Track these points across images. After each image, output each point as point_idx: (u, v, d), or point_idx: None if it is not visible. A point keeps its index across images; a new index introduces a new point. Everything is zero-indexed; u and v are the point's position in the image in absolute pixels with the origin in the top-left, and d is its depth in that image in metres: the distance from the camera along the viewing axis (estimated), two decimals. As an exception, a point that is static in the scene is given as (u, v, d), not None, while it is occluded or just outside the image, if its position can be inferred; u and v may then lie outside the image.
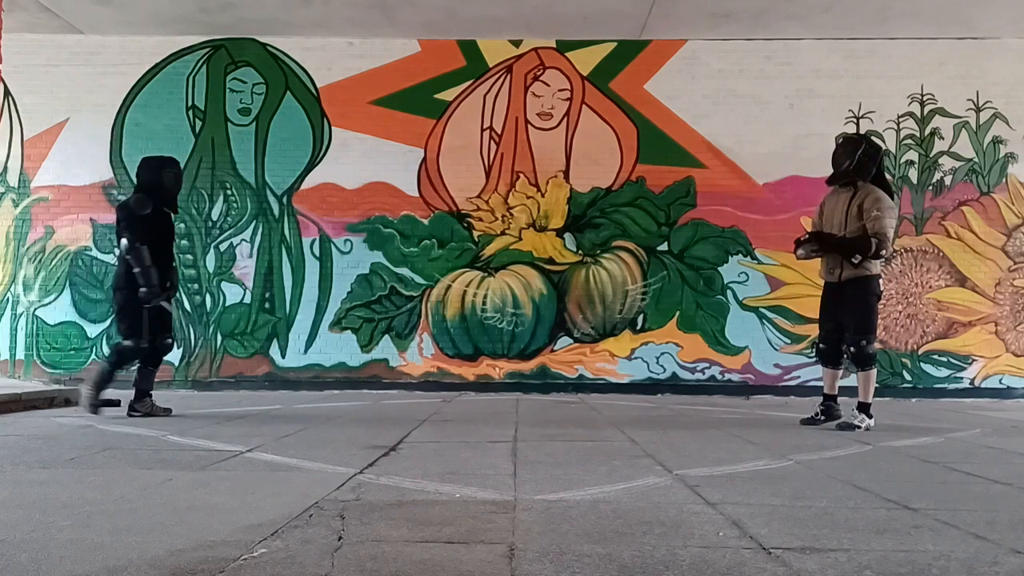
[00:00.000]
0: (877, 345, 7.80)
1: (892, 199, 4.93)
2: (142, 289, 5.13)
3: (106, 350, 7.97)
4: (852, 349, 4.91)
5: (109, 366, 5.27)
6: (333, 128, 8.13)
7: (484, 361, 7.97)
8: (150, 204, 5.24)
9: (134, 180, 5.61)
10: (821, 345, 5.15)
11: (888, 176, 4.74)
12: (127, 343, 5.24)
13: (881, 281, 4.97)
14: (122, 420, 5.03)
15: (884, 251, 4.78)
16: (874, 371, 4.96)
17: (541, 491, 2.74)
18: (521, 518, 2.33)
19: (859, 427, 4.81)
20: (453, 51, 8.15)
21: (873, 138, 5.05)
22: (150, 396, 5.32)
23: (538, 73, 8.16)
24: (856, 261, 4.80)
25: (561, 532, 2.16)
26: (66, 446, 3.81)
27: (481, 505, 2.51)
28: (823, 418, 5.04)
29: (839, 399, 5.11)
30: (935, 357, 7.91)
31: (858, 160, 4.89)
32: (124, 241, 5.17)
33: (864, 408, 4.88)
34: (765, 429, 4.90)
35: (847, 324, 4.95)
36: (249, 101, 8.16)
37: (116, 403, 5.31)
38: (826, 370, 5.18)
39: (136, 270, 5.12)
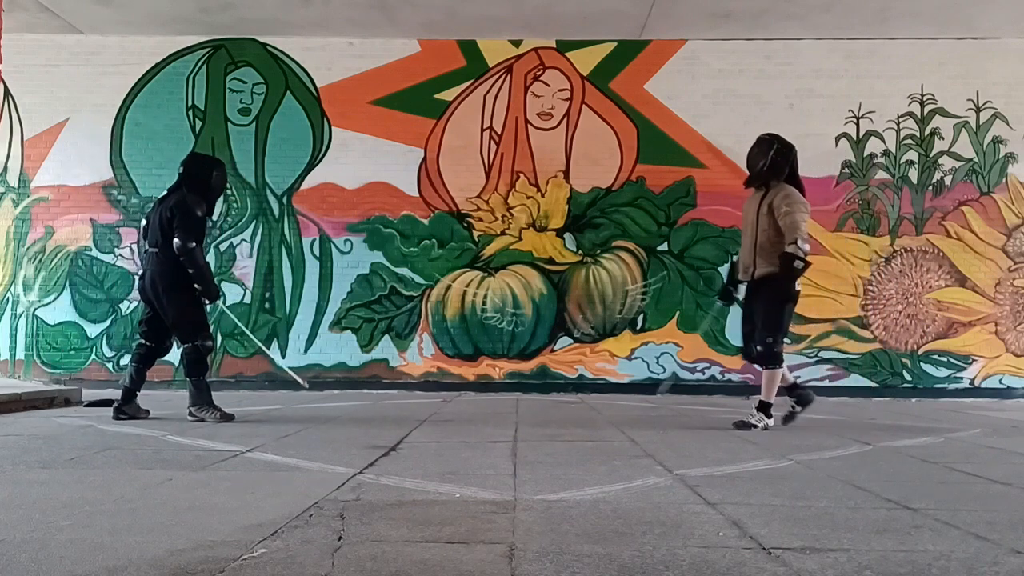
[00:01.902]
0: (877, 345, 7.88)
1: (804, 195, 4.87)
2: (206, 288, 5.05)
3: (107, 351, 7.98)
4: (759, 347, 4.82)
5: (199, 376, 5.03)
6: (333, 128, 8.13)
7: (484, 361, 7.97)
8: (204, 206, 5.12)
9: (179, 172, 5.19)
10: (754, 346, 4.98)
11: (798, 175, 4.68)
12: (207, 343, 5.05)
13: (798, 283, 4.83)
14: (122, 420, 5.02)
15: (797, 241, 4.66)
16: (779, 371, 4.82)
17: (541, 491, 2.74)
18: (521, 518, 2.33)
19: (756, 426, 4.73)
20: (453, 51, 8.15)
21: (784, 137, 5.04)
22: (136, 398, 5.25)
23: (538, 73, 8.16)
24: (801, 257, 4.66)
25: (561, 532, 2.16)
26: (66, 446, 3.81)
27: (481, 505, 2.51)
28: (799, 408, 4.96)
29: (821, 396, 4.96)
30: (935, 357, 7.90)
31: (771, 160, 4.90)
32: (177, 240, 4.92)
33: (764, 407, 4.78)
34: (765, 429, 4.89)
35: (756, 321, 4.87)
36: (249, 101, 8.16)
37: (111, 403, 5.30)
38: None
39: (191, 271, 4.98)
